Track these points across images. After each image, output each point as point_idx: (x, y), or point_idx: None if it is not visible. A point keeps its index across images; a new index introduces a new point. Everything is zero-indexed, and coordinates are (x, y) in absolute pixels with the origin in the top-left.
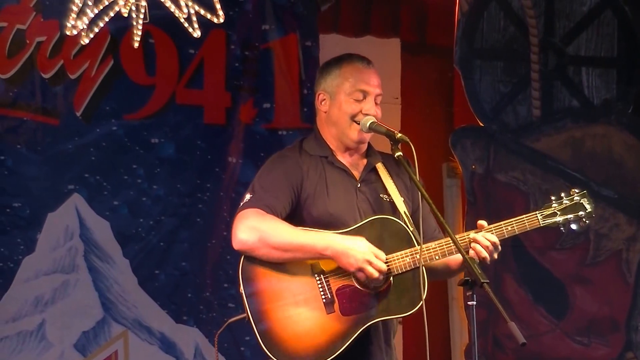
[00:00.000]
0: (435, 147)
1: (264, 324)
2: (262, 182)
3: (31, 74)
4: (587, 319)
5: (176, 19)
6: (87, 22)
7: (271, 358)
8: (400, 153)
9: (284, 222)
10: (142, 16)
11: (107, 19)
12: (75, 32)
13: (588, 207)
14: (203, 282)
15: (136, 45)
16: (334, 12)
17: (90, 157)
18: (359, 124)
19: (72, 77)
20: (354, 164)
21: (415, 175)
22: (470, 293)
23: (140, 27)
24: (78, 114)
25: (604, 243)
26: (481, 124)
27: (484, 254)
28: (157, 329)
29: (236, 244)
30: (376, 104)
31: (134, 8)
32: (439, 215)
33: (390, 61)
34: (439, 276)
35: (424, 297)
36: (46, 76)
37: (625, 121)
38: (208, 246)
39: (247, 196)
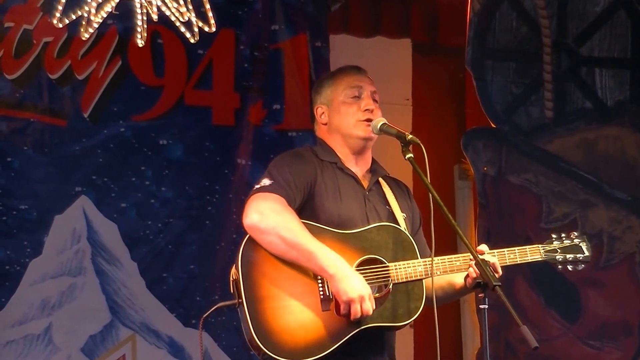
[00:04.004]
0: (446, 148)
1: (258, 311)
2: (280, 170)
3: (38, 74)
4: (600, 323)
5: (173, 24)
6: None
7: (260, 346)
8: (411, 155)
9: (301, 221)
10: (145, 13)
11: (104, 14)
12: (61, 25)
13: (586, 252)
14: (212, 286)
15: (140, 43)
16: (344, 12)
17: (97, 159)
18: (369, 122)
19: (80, 77)
20: (362, 174)
21: (427, 177)
22: (482, 296)
23: (140, 24)
24: (85, 115)
25: (617, 246)
26: (493, 126)
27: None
28: (166, 333)
29: (248, 221)
30: (375, 100)
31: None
32: (451, 218)
33: (401, 62)
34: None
35: (420, 309)
36: (53, 77)
37: (639, 123)
38: (217, 249)
39: (266, 180)
